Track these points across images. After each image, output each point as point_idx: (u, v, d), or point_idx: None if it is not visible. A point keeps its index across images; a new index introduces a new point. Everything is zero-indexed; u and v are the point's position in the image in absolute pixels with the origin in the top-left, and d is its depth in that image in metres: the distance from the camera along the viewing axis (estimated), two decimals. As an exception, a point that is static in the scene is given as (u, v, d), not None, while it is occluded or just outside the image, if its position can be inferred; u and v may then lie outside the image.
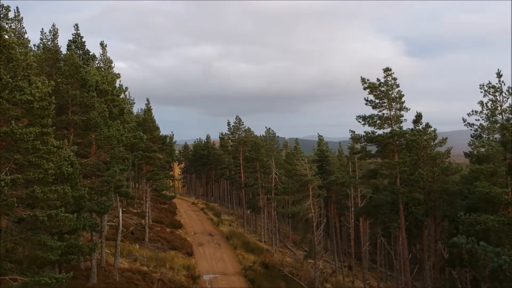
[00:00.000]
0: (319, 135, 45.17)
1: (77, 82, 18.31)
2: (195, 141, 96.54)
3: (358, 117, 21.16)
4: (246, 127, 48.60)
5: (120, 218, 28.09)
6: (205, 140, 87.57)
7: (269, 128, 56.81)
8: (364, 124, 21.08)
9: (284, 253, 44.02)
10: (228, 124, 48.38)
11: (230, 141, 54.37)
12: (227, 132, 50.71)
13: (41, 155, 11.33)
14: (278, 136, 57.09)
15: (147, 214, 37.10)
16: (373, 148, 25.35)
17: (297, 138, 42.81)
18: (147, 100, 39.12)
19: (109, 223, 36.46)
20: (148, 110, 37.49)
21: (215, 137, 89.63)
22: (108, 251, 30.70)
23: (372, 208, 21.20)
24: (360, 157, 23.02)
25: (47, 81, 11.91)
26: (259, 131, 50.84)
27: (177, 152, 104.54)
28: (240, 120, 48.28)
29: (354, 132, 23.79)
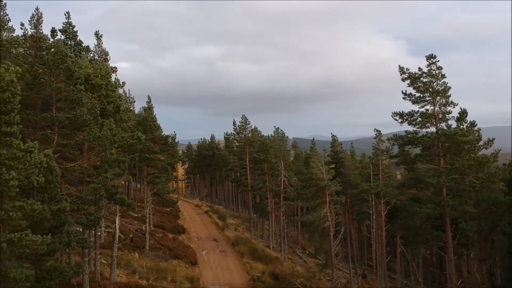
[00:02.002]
0: (333, 135, 42.30)
1: (63, 73, 15.76)
2: (199, 141, 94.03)
3: (395, 114, 18.28)
4: (253, 127, 46.02)
5: (117, 226, 25.59)
6: (209, 140, 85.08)
7: (278, 127, 54.17)
8: (401, 122, 18.22)
9: (294, 261, 41.34)
10: (234, 123, 45.76)
11: (235, 141, 51.71)
12: (232, 131, 48.17)
13: (2, 162, 8.77)
14: (287, 136, 54.32)
15: (147, 219, 34.53)
16: (394, 150, 22.46)
17: (313, 138, 39.99)
18: (148, 97, 36.60)
19: (106, 230, 34.03)
20: (149, 108, 34.92)
21: (218, 137, 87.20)
22: (105, 261, 28.16)
23: (413, 224, 18.26)
24: (398, 162, 20.09)
25: (12, 67, 9.33)
26: (263, 131, 48.62)
27: (180, 152, 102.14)
28: (246, 119, 45.58)
29: (379, 131, 21.01)
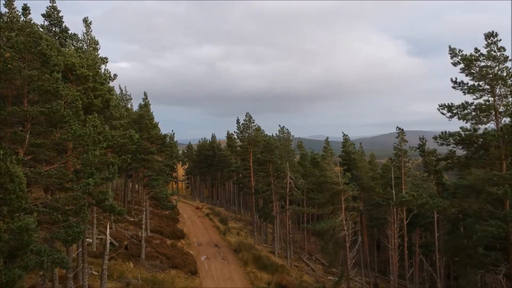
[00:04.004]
0: (344, 134, 39.32)
1: (36, 59, 13.17)
2: (199, 141, 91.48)
3: (442, 106, 15.39)
4: (257, 126, 43.29)
5: (108, 235, 23.01)
6: (210, 140, 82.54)
7: (283, 126, 51.39)
8: (450, 116, 15.32)
9: (301, 269, 38.76)
10: (238, 121, 43.01)
11: (238, 140, 49.09)
12: (235, 130, 45.56)
13: None
14: (293, 136, 51.61)
15: (143, 225, 31.93)
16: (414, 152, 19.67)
17: (327, 138, 37.18)
18: (144, 94, 33.99)
19: (99, 237, 31.48)
20: (145, 105, 32.33)
21: (219, 137, 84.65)
22: (96, 273, 25.64)
23: (470, 244, 15.30)
24: (446, 167, 17.05)
25: None
26: (266, 131, 45.83)
27: (180, 152, 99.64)
28: (250, 117, 42.85)
29: (402, 130, 18.30)
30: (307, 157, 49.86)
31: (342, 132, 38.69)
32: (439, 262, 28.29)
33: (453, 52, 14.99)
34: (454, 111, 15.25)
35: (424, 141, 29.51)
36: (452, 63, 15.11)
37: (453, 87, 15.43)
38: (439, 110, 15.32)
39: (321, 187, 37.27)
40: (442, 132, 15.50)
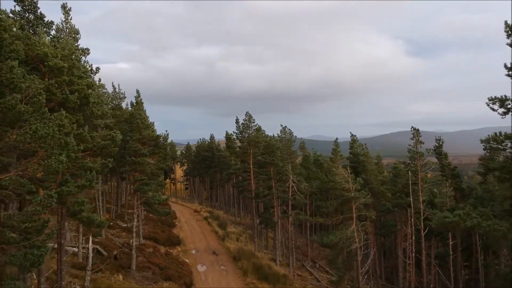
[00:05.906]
0: (352, 134, 36.62)
1: (-13, 43, 10.80)
2: (198, 141, 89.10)
3: (493, 100, 12.61)
4: (257, 126, 40.87)
5: (90, 247, 20.70)
6: (209, 141, 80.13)
7: (285, 126, 48.82)
8: (504, 113, 12.55)
9: (304, 278, 36.38)
10: (237, 121, 40.55)
11: (238, 141, 46.65)
12: (234, 131, 43.09)
13: None
14: (295, 136, 49.01)
15: (134, 233, 29.48)
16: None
17: (336, 138, 34.57)
18: (137, 91, 31.60)
19: (86, 246, 29.13)
20: (137, 104, 29.96)
21: (219, 138, 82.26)
22: (80, 287, 23.33)
23: None
24: (502, 177, 13.91)
25: None
26: (266, 132, 43.30)
27: (179, 153, 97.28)
28: (250, 116, 40.40)
29: (417, 130, 15.92)
30: (310, 159, 47.39)
31: (350, 132, 36.05)
32: (454, 273, 25.99)
33: (510, 30, 12.12)
34: (509, 106, 12.42)
35: (440, 143, 27.19)
36: (508, 44, 12.31)
37: (508, 75, 12.61)
38: (488, 105, 12.58)
39: (327, 193, 34.87)
40: (495, 133, 12.68)
